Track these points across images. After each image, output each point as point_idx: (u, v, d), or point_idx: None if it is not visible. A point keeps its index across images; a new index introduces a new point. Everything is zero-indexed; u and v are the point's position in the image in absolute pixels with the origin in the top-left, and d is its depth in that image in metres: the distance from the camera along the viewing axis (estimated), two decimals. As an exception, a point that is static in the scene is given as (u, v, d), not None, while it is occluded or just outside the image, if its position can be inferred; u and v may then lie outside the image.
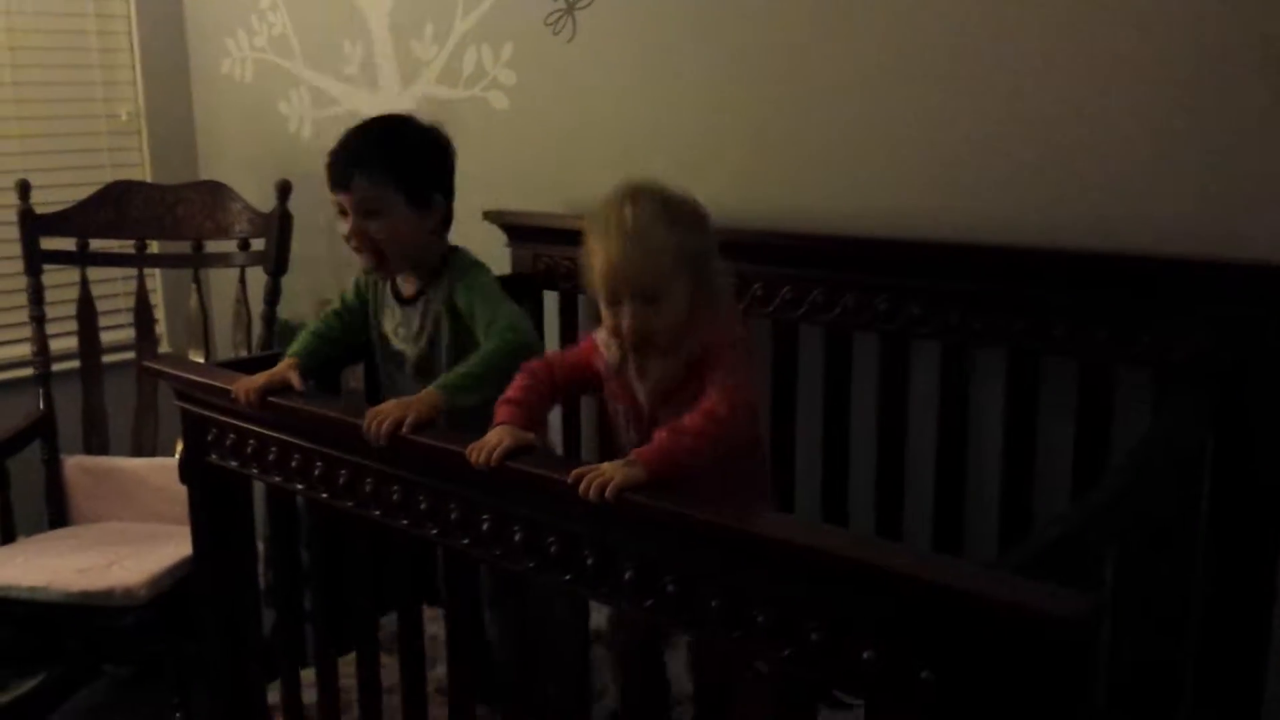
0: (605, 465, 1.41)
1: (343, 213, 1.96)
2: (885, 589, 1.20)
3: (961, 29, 2.02)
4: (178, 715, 2.56)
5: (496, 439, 1.52)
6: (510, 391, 1.67)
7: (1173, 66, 1.83)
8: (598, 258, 1.60)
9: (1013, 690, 1.13)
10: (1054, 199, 1.97)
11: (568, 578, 1.48)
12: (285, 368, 1.87)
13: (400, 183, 1.92)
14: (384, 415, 1.64)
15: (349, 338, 2.12)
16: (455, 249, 2.05)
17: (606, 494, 1.37)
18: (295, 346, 2.01)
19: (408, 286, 2.05)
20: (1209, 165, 1.82)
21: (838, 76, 2.18)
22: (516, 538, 1.53)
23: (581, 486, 1.39)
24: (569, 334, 2.57)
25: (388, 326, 2.08)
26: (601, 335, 1.68)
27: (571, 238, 2.46)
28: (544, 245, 2.57)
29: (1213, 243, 1.80)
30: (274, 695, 2.07)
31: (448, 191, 2.03)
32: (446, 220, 2.03)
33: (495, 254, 2.55)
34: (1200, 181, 1.83)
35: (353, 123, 2.03)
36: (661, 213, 1.59)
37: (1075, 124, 1.93)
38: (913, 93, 2.09)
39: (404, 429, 1.62)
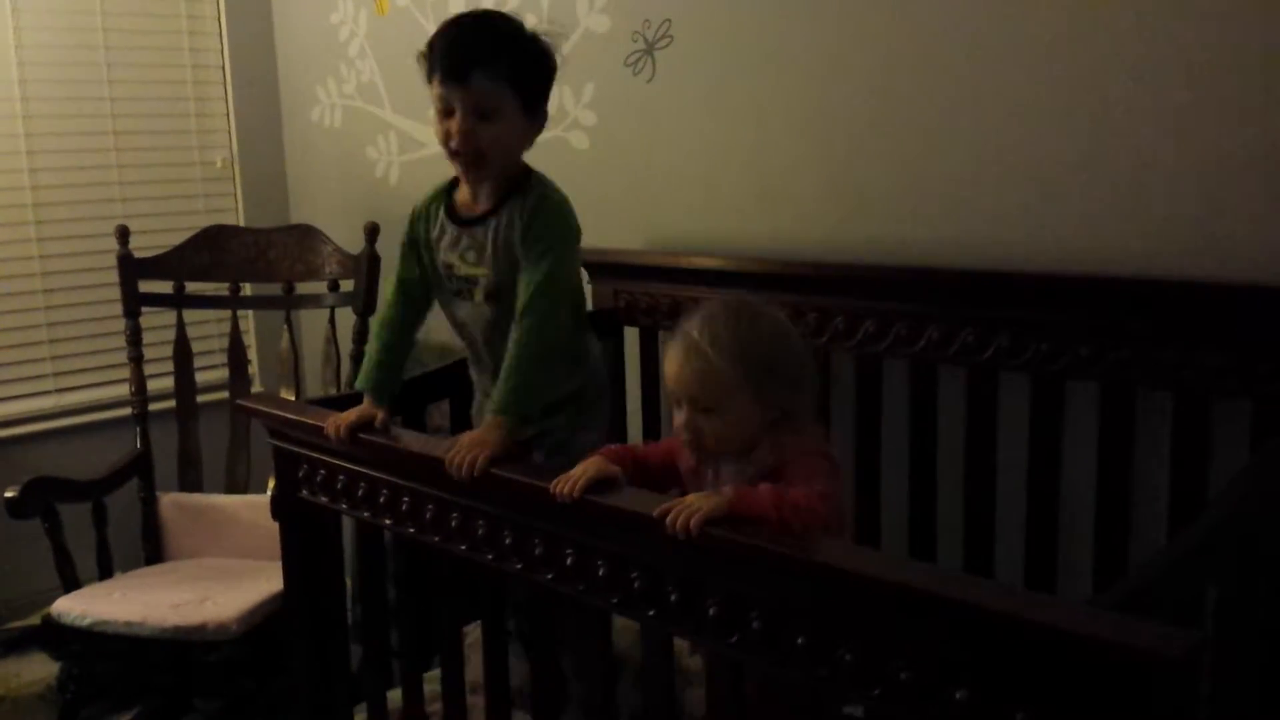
0: (690, 497, 1.41)
1: (446, 110, 1.82)
2: (978, 627, 1.17)
3: (1046, 63, 2.00)
4: (267, 750, 2.59)
5: (580, 471, 1.53)
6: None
7: None
8: (665, 361, 1.66)
9: (1113, 731, 1.10)
10: (1143, 227, 1.93)
11: (651, 614, 1.48)
12: (371, 403, 1.90)
13: (520, 86, 1.80)
14: (460, 452, 1.65)
15: (409, 334, 2.03)
16: (534, 171, 1.92)
17: (691, 526, 1.36)
18: (363, 380, 1.94)
19: (481, 202, 1.90)
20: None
21: (919, 110, 2.17)
22: (600, 573, 1.52)
23: (669, 520, 1.39)
24: (649, 368, 2.57)
25: (450, 255, 1.93)
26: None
27: (651, 274, 2.51)
28: (624, 281, 2.59)
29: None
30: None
31: (546, 102, 1.90)
32: (537, 131, 1.91)
33: (577, 292, 2.57)
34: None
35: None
36: (729, 332, 1.61)
37: (1170, 151, 1.89)
38: (997, 124, 2.07)
39: (476, 469, 1.63)
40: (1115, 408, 1.92)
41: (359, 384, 1.96)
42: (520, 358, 1.78)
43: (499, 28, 1.84)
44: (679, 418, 1.65)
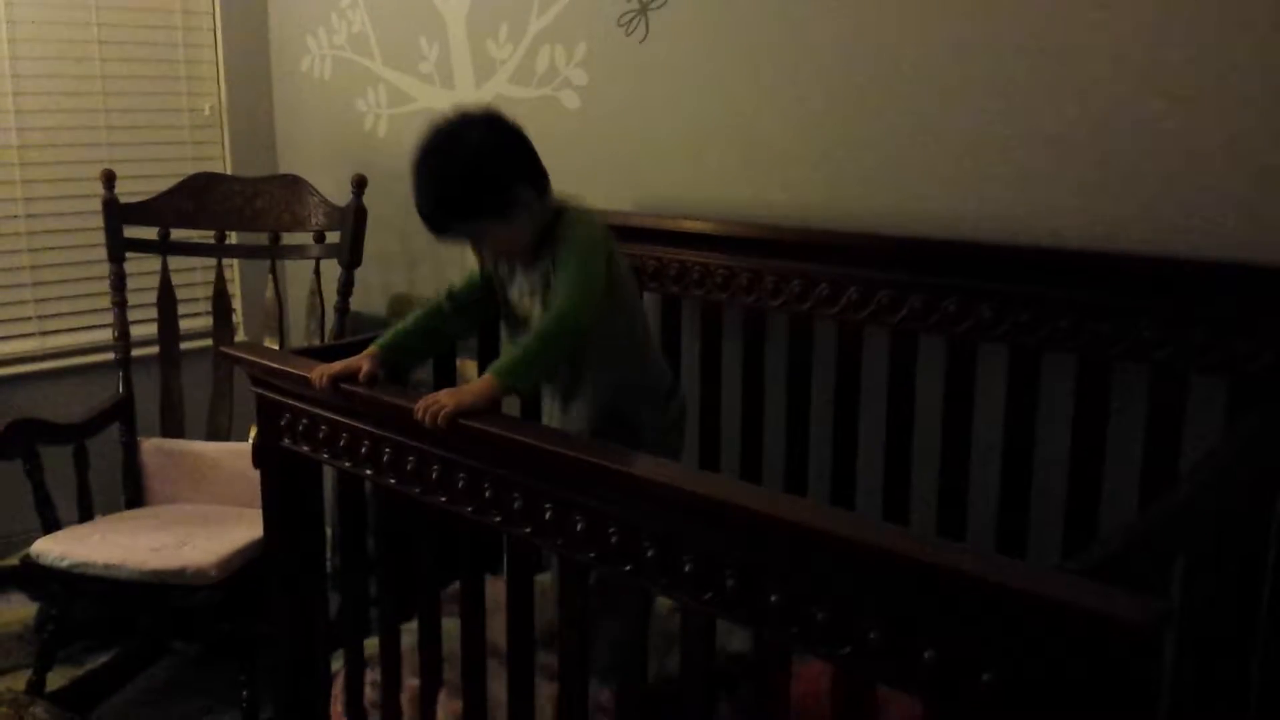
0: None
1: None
2: (947, 589, 1.19)
3: (1039, 41, 2.01)
4: (244, 693, 2.61)
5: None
6: None
7: None
8: None
9: (1076, 695, 1.12)
10: (1128, 203, 1.94)
11: (628, 568, 1.50)
12: (362, 357, 1.90)
13: (481, 213, 1.88)
14: (432, 401, 1.68)
15: (454, 329, 2.10)
16: (564, 208, 1.95)
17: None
18: (383, 338, 1.98)
19: (528, 251, 1.98)
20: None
21: (915, 77, 2.17)
22: (578, 527, 1.54)
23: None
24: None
25: (512, 293, 2.02)
26: None
27: (639, 235, 2.51)
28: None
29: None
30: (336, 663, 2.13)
31: (529, 173, 1.92)
32: (543, 194, 1.94)
33: (564, 250, 2.57)
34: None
35: (428, 120, 1.99)
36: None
37: (1153, 128, 1.91)
38: (988, 98, 2.08)
39: (441, 417, 1.65)
40: (1092, 381, 1.94)
41: (379, 341, 1.97)
42: (533, 336, 1.82)
43: (435, 183, 1.88)
44: None
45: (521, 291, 2.01)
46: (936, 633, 1.20)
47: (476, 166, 1.87)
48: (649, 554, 1.46)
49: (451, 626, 1.88)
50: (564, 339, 1.83)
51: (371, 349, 1.92)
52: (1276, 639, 1.75)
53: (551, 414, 2.09)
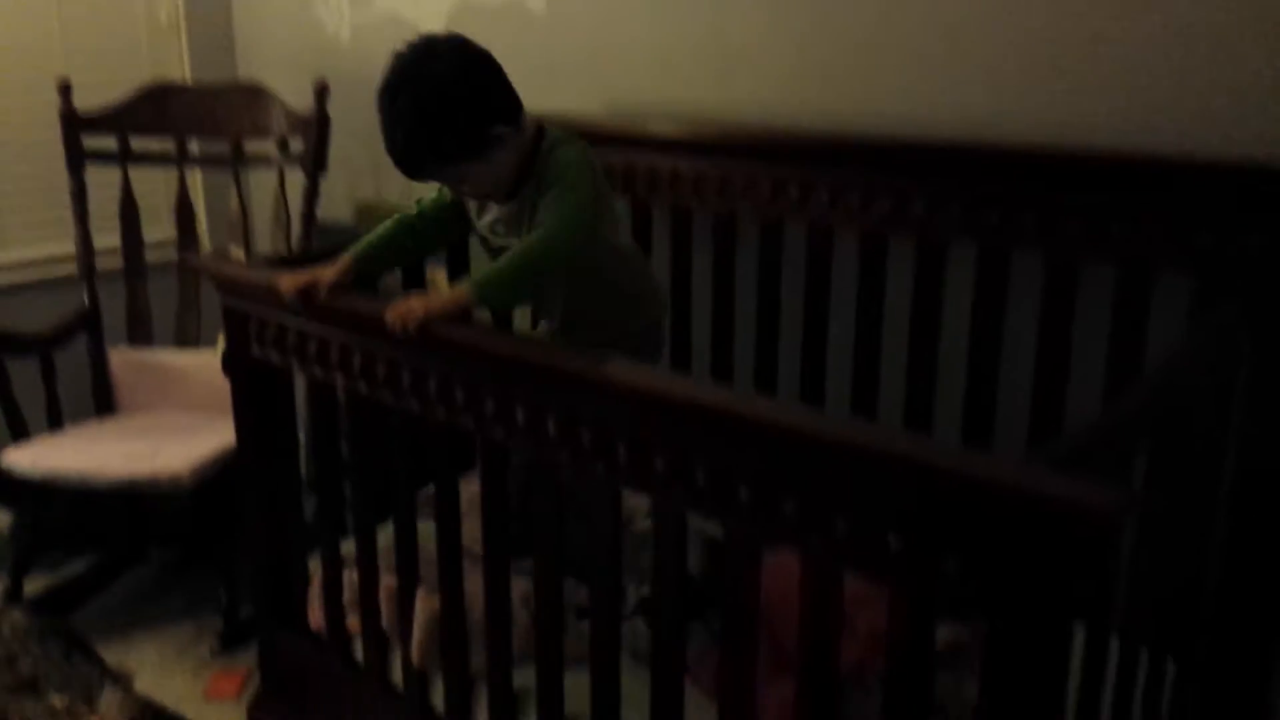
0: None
1: None
2: (913, 480, 1.22)
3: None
4: (222, 597, 2.64)
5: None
6: None
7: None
8: None
9: (1038, 581, 1.15)
10: (1089, 100, 1.94)
11: (601, 467, 1.51)
12: (329, 266, 1.86)
13: (457, 155, 1.79)
14: (404, 307, 1.65)
15: (423, 244, 2.03)
16: (542, 133, 1.88)
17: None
18: (354, 248, 1.93)
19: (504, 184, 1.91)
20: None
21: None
22: (551, 429, 1.56)
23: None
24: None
25: (483, 228, 1.97)
26: None
27: (609, 141, 2.48)
28: (581, 148, 2.56)
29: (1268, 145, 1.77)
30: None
31: (503, 107, 1.84)
32: (518, 125, 1.85)
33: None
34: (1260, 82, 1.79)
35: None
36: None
37: (1116, 22, 1.90)
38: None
39: (412, 323, 1.63)
40: (1059, 278, 1.95)
41: (349, 250, 1.92)
42: (516, 254, 1.75)
43: (408, 124, 1.76)
44: None
45: (491, 222, 1.95)
46: (902, 522, 1.23)
47: (445, 107, 1.76)
48: (621, 453, 1.48)
49: (426, 528, 1.90)
50: (548, 261, 1.76)
51: (344, 258, 1.90)
52: (1232, 535, 1.80)
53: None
